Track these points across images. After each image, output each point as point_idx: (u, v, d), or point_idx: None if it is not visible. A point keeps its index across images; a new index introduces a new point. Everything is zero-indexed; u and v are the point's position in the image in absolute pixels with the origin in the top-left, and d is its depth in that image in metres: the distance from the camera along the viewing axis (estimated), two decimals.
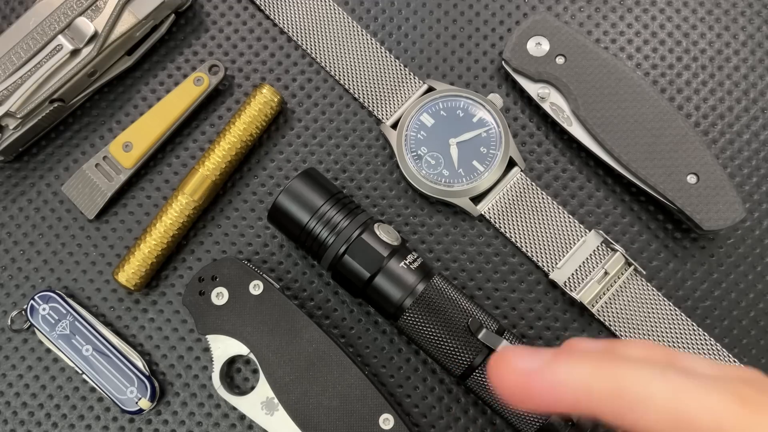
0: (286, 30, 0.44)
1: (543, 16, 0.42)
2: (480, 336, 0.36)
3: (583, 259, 0.40)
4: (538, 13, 0.43)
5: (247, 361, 0.41)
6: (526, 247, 0.41)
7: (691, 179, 0.39)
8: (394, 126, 0.42)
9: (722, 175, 0.39)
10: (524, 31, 0.42)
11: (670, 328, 0.40)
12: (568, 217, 0.41)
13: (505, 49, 0.42)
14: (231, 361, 0.41)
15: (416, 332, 0.37)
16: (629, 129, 0.40)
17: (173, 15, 0.44)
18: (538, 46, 0.41)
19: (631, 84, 0.40)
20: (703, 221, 0.39)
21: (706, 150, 0.39)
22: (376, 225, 0.38)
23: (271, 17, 0.45)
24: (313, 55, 0.44)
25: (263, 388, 0.38)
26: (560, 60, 0.41)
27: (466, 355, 0.36)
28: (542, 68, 0.41)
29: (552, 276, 0.41)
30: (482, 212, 0.41)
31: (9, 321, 0.41)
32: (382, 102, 0.43)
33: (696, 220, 0.39)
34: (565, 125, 0.41)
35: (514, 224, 0.41)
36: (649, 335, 0.40)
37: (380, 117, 0.43)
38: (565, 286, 0.40)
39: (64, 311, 0.40)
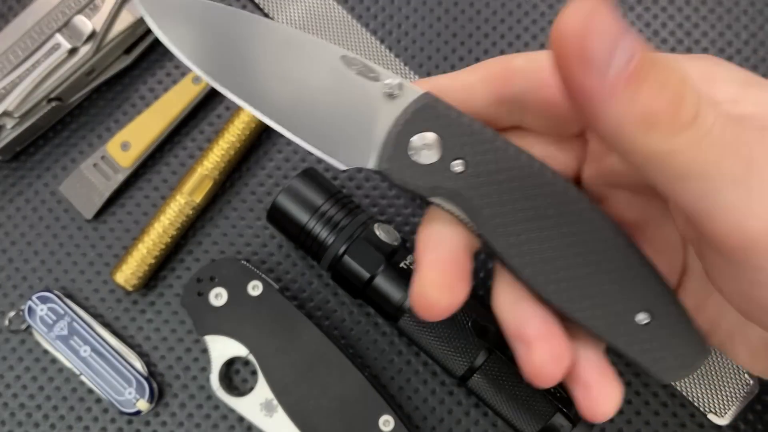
0: None
1: (427, 101, 0.24)
2: (481, 337, 0.35)
3: None
4: (422, 94, 0.25)
5: (246, 363, 0.41)
6: None
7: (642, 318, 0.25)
8: None
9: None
10: (404, 126, 0.24)
11: None
12: None
13: (379, 154, 0.25)
14: (230, 363, 0.40)
15: (417, 333, 0.37)
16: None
17: None
18: (425, 147, 0.24)
19: (557, 197, 0.25)
20: None
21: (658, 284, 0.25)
22: (375, 225, 0.38)
23: (270, 15, 0.44)
24: None
25: (262, 390, 0.38)
26: (458, 167, 0.24)
27: (467, 356, 0.36)
28: (434, 180, 0.25)
29: None
30: None
31: (6, 321, 0.41)
32: None
33: None
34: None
35: None
36: None
37: None
38: None
39: (62, 312, 0.40)
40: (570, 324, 0.25)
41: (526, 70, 0.24)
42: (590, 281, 0.24)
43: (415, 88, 0.24)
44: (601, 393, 0.24)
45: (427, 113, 0.24)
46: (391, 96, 0.24)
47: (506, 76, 0.25)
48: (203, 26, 0.24)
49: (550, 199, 0.24)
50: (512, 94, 0.25)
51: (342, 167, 0.24)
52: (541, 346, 0.24)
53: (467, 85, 0.25)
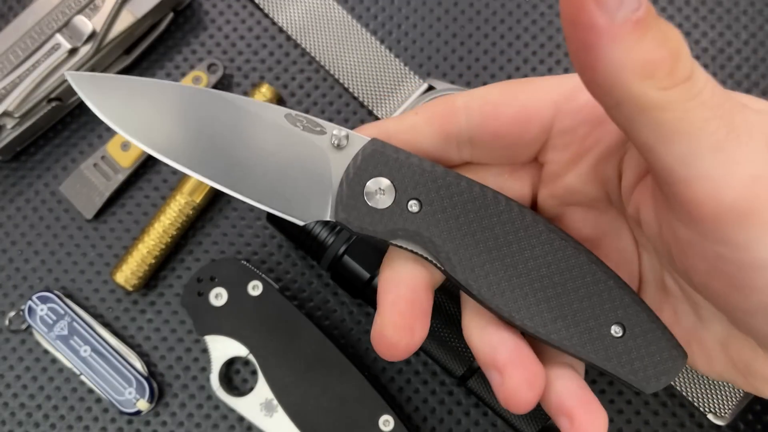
0: (284, 28, 0.44)
1: (375, 147, 0.24)
2: None
3: None
4: (370, 141, 0.25)
5: (246, 362, 0.41)
6: None
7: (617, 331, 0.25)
8: None
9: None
10: (355, 174, 0.24)
11: None
12: None
13: (334, 205, 0.25)
14: (230, 362, 0.40)
15: None
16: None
17: (172, 13, 0.43)
18: (379, 192, 0.25)
19: (514, 224, 0.25)
20: None
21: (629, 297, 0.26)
22: None
23: (270, 15, 0.44)
24: (312, 54, 0.44)
25: (262, 390, 0.38)
26: (414, 207, 0.25)
27: (467, 357, 0.36)
28: (392, 223, 0.25)
29: None
30: None
31: (7, 321, 0.41)
32: (382, 101, 0.43)
33: None
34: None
35: None
36: None
37: (380, 116, 0.43)
38: None
39: (62, 312, 0.40)
40: (545, 351, 0.25)
41: (469, 107, 0.25)
42: (560, 302, 0.24)
43: (362, 136, 0.25)
44: (586, 421, 0.24)
45: (376, 159, 0.24)
46: (339, 147, 0.24)
47: (450, 115, 0.25)
48: (147, 104, 0.25)
49: (507, 227, 0.24)
50: (459, 130, 0.25)
51: (300, 223, 0.25)
52: (513, 371, 0.24)
53: (413, 127, 0.25)
